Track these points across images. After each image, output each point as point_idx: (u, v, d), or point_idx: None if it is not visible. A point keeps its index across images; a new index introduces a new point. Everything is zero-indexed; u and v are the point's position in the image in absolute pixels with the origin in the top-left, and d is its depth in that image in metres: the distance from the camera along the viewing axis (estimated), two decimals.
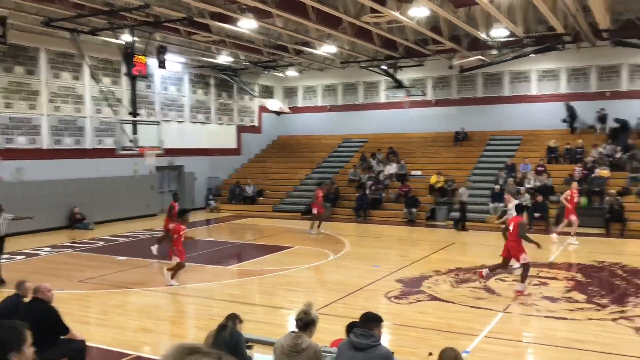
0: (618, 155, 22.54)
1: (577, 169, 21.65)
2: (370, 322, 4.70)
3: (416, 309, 10.30)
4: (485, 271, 11.55)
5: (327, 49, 23.06)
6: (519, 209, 12.20)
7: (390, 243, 18.82)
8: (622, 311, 9.95)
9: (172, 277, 12.02)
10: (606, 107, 24.58)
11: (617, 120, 23.78)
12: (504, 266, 11.68)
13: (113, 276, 13.17)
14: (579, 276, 12.84)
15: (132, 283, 12.46)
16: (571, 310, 10.09)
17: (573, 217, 17.02)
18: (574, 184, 18.17)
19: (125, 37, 18.87)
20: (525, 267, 11.17)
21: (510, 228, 11.37)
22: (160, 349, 8.51)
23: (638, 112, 23.96)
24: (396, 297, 11.04)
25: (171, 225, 13.85)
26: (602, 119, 24.60)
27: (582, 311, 10.01)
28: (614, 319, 9.51)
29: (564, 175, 21.95)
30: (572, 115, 25.05)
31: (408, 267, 13.84)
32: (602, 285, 12.01)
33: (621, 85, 24.86)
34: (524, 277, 11.17)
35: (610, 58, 24.26)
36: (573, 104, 25.13)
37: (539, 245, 11.20)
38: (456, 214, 20.82)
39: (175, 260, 12.03)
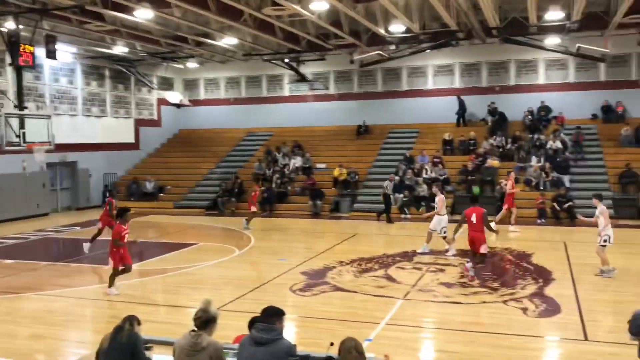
0: (508, 146, 23.96)
1: (470, 161, 22.82)
2: (271, 316, 4.67)
3: (320, 300, 10.42)
4: (468, 265, 11.83)
5: (228, 41, 22.73)
6: (474, 200, 12.66)
7: (296, 236, 18.91)
8: (512, 293, 10.60)
9: (110, 286, 10.96)
10: (496, 101, 26.05)
11: (494, 112, 25.37)
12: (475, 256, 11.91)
13: (0, 281, 12.29)
14: (470, 262, 13.47)
15: (22, 288, 11.68)
16: (466, 294, 10.61)
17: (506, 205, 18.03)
18: (512, 174, 19.05)
19: (9, 25, 17.59)
20: (483, 256, 11.77)
21: (474, 219, 11.69)
22: (55, 355, 8.04)
23: (525, 106, 25.62)
24: (301, 290, 11.11)
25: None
26: (493, 112, 26.05)
27: (476, 295, 10.55)
28: (504, 301, 10.11)
29: (458, 166, 23.07)
30: (462, 108, 26.34)
31: (313, 259, 13.97)
32: (494, 270, 12.72)
33: (509, 80, 26.42)
34: (478, 264, 11.79)
35: (499, 54, 25.71)
36: (466, 98, 26.45)
37: (497, 233, 12.66)
38: (380, 207, 21.15)
39: (111, 264, 11.02)
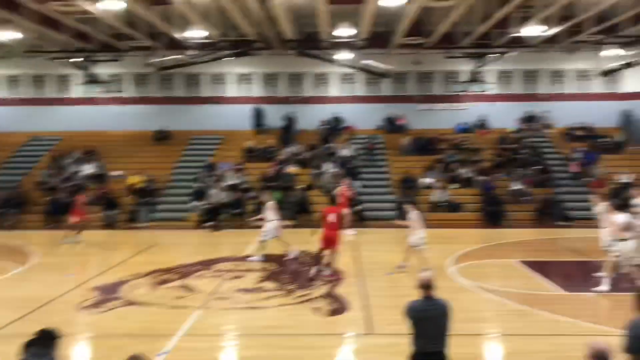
0: (305, 154, 25.06)
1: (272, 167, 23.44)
2: (45, 339, 4.27)
3: (113, 316, 9.83)
4: (317, 268, 12.32)
5: (5, 35, 20.41)
6: (333, 200, 13.30)
7: (88, 249, 17.58)
8: (307, 295, 11.08)
9: None
10: (293, 111, 27.09)
11: (286, 119, 26.65)
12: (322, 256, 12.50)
13: None
14: (272, 266, 13.85)
15: None
16: (264, 299, 10.83)
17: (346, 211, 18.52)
18: (345, 181, 19.64)
19: None
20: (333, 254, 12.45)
21: (332, 218, 12.13)
22: None
23: (320, 116, 27.05)
24: (91, 307, 10.37)
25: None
26: (291, 121, 27.08)
27: (274, 298, 10.83)
28: (300, 302, 10.52)
29: (259, 173, 23.53)
30: (259, 117, 26.99)
31: (106, 274, 13.14)
32: (291, 273, 13.18)
33: (306, 92, 27.71)
34: (331, 263, 12.42)
35: (296, 66, 26.83)
36: (266, 107, 27.10)
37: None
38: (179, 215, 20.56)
39: None
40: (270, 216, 14.62)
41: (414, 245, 12.49)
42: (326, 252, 12.54)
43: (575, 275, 13.50)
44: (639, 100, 27.18)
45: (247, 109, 27.23)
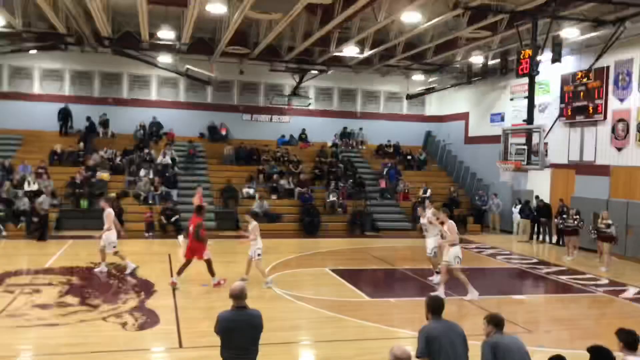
0: (118, 159, 23.64)
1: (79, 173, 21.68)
2: None
3: None
4: (174, 278, 11.97)
5: None
6: (199, 210, 12.57)
7: None
8: (113, 309, 10.32)
9: None
10: (108, 113, 25.54)
11: (105, 124, 25.20)
12: (187, 265, 12.17)
13: None
14: (75, 280, 12.73)
15: None
16: (64, 315, 9.86)
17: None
18: (199, 188, 18.97)
19: None
20: (209, 262, 12.18)
21: (191, 229, 12.07)
22: None
23: (137, 120, 25.78)
24: None
25: None
26: (105, 123, 25.43)
27: (75, 314, 9.91)
28: (104, 318, 9.75)
29: (66, 178, 21.64)
30: (66, 117, 24.93)
31: None
32: (97, 286, 12.22)
33: (123, 93, 26.24)
34: (212, 271, 12.20)
35: (113, 66, 25.29)
36: (77, 107, 25.11)
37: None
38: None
39: None
40: (108, 225, 13.48)
41: (253, 257, 12.38)
42: (190, 262, 12.20)
43: (379, 282, 14.37)
44: (439, 123, 30.17)
45: (54, 107, 24.95)
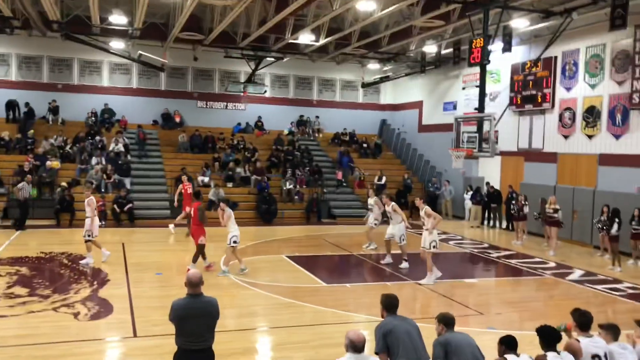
0: (68, 147, 23.02)
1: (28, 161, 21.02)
2: None
3: None
4: (191, 265, 11.97)
5: None
6: (197, 195, 13.30)
7: None
8: (65, 299, 10.12)
9: None
10: (58, 99, 24.81)
11: (55, 110, 24.47)
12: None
13: None
14: (23, 270, 12.40)
15: None
16: (12, 306, 9.62)
17: (189, 208, 17.05)
18: (184, 178, 18.40)
19: None
20: (201, 247, 12.36)
21: (192, 214, 12.55)
22: None
23: (89, 106, 25.14)
24: None
25: None
26: (54, 110, 24.71)
27: (24, 305, 9.68)
28: (55, 308, 9.55)
29: (14, 165, 20.98)
30: (11, 103, 24.05)
31: None
32: (47, 276, 11.94)
33: (73, 79, 25.50)
34: (196, 257, 12.40)
35: (62, 51, 24.53)
36: (25, 93, 24.27)
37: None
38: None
39: None
40: (89, 213, 13.18)
41: (229, 243, 12.32)
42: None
43: (335, 268, 14.54)
44: (393, 111, 30.50)
45: (2, 93, 24.09)
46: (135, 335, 8.49)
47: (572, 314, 5.79)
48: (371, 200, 16.38)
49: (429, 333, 5.70)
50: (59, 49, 24.19)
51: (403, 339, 5.40)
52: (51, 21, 19.65)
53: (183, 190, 17.91)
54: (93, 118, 25.06)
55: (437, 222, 12.39)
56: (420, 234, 12.73)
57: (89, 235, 13.13)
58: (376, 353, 5.43)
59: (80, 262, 13.14)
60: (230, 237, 12.30)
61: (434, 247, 12.20)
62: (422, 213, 12.56)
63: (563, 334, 5.55)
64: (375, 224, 16.19)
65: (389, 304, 5.75)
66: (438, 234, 12.74)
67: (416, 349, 5.43)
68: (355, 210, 23.38)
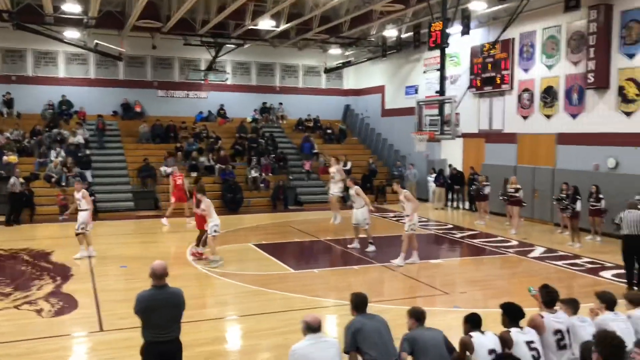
0: (26, 140, 22.41)
1: None
2: None
3: None
4: (199, 249, 12.74)
5: None
6: (201, 191, 12.92)
7: None
8: (26, 296, 9.90)
9: None
10: (13, 92, 24.07)
11: (10, 104, 23.75)
12: (202, 235, 12.93)
13: None
14: None
15: None
16: None
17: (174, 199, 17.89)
18: (175, 168, 18.93)
19: None
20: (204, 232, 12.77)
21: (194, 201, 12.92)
22: None
23: (45, 98, 24.49)
24: None
25: None
26: (9, 103, 23.97)
27: None
28: (17, 306, 9.34)
29: None
30: None
31: None
32: (8, 274, 11.65)
33: (27, 70, 24.74)
34: (202, 241, 12.89)
35: (15, 42, 23.75)
36: None
37: None
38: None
39: None
40: (84, 206, 12.99)
41: (209, 232, 12.23)
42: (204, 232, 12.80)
43: (303, 254, 14.58)
44: (357, 96, 30.58)
45: None
46: (101, 329, 8.38)
47: (539, 289, 5.95)
48: (352, 191, 14.42)
49: (396, 315, 5.77)
50: (10, 39, 23.39)
51: (373, 337, 5.44)
52: (1, 10, 18.98)
53: (173, 181, 18.02)
54: (50, 110, 24.41)
55: (416, 206, 12.55)
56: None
57: (82, 228, 12.92)
58: (346, 352, 5.45)
59: (74, 257, 12.85)
60: (211, 226, 12.23)
61: (412, 230, 12.38)
62: (401, 197, 12.65)
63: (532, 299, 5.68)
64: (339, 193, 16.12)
65: (359, 303, 5.77)
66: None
67: (386, 346, 5.47)
68: (322, 196, 23.41)
